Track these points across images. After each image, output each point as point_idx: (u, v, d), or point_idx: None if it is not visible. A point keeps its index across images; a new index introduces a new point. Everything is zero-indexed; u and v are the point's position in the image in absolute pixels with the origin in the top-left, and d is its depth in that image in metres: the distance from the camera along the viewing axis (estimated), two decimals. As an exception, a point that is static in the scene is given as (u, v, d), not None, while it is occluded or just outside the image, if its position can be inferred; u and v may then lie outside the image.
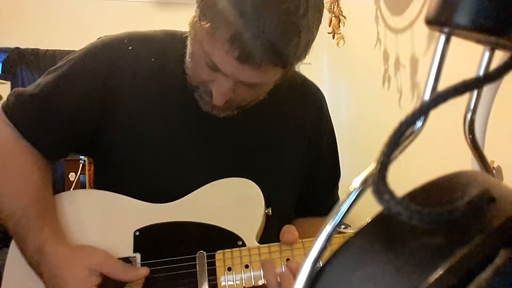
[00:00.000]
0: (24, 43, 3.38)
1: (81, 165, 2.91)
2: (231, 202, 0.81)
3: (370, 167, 0.22)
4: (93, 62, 0.81)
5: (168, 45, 0.85)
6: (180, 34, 0.86)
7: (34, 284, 0.75)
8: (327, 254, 0.23)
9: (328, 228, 0.23)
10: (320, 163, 0.94)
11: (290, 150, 0.89)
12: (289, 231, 0.77)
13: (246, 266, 0.75)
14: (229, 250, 0.77)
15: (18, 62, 3.38)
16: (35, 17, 3.40)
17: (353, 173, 0.26)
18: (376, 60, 2.58)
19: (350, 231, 1.05)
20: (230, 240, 0.78)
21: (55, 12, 3.43)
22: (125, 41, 0.83)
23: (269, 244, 0.77)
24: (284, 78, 0.78)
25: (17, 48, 3.37)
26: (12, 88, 3.37)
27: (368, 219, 0.23)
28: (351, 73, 3.09)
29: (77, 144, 0.85)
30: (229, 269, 0.76)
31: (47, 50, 3.39)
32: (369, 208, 0.28)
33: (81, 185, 2.94)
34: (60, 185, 2.97)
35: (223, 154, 0.85)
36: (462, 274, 0.19)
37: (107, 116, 0.81)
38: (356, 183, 0.24)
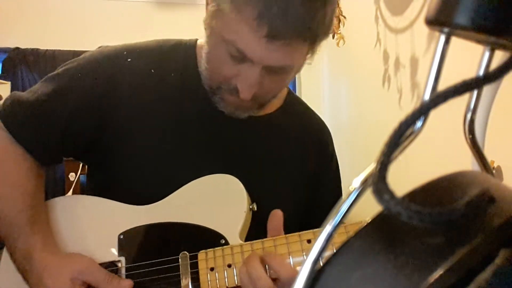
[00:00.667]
0: (24, 43, 3.37)
1: (81, 165, 2.91)
2: (212, 200, 0.80)
3: (370, 167, 0.22)
4: (92, 74, 0.82)
5: (168, 55, 0.85)
6: (183, 44, 0.86)
7: None
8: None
9: (328, 228, 0.23)
10: (322, 195, 0.93)
11: (287, 163, 0.89)
12: (275, 215, 0.75)
13: (229, 266, 0.73)
14: (212, 249, 0.75)
15: (18, 62, 3.38)
16: (35, 17, 3.40)
17: (353, 173, 0.26)
18: (376, 60, 2.58)
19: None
20: (213, 239, 0.76)
21: (55, 12, 3.43)
22: (124, 53, 0.83)
23: (251, 242, 0.75)
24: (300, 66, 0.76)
25: (17, 48, 3.36)
26: (12, 88, 3.37)
27: (368, 219, 0.23)
28: (351, 73, 3.09)
29: (71, 151, 0.85)
30: (212, 269, 0.74)
31: (47, 50, 3.39)
32: (369, 208, 0.28)
33: (81, 185, 2.93)
34: (60, 185, 2.97)
35: (216, 157, 0.84)
36: (462, 274, 0.19)
37: (103, 126, 0.81)
38: (356, 183, 0.24)
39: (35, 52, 3.38)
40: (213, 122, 0.83)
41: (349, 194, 0.24)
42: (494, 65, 0.23)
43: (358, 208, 0.25)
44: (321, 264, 0.23)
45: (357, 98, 3.01)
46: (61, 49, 3.35)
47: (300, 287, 0.22)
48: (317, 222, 0.87)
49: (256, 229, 0.79)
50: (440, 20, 0.22)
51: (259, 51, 0.67)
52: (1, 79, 3.29)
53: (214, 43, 0.73)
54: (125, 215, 0.80)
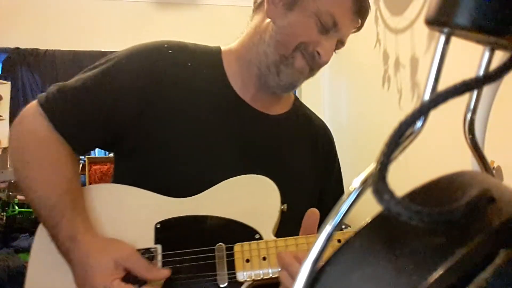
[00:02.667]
0: (24, 43, 3.38)
1: (81, 165, 2.91)
2: (249, 198, 0.85)
3: (370, 167, 0.22)
4: (136, 61, 0.87)
5: (201, 55, 0.93)
6: (209, 47, 0.95)
7: (58, 271, 0.78)
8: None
9: (328, 228, 0.23)
10: (327, 193, 1.01)
11: (304, 162, 0.97)
12: (312, 213, 0.80)
13: (264, 258, 0.78)
14: (247, 242, 0.80)
15: (18, 62, 3.38)
16: (35, 17, 3.40)
17: (353, 173, 0.26)
18: (376, 60, 2.58)
19: (350, 231, 1.06)
20: (248, 233, 0.82)
21: (55, 12, 3.43)
22: (165, 45, 0.90)
23: (285, 238, 0.80)
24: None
25: (17, 48, 3.37)
26: (12, 88, 3.37)
27: (368, 219, 0.23)
28: (351, 74, 3.09)
29: (107, 139, 0.88)
30: (247, 260, 0.79)
31: (47, 50, 3.39)
32: (369, 208, 0.28)
33: (81, 185, 2.93)
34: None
35: (254, 153, 0.91)
36: (462, 274, 0.19)
37: (143, 113, 0.85)
38: (356, 183, 0.24)
39: (35, 52, 3.38)
40: (241, 117, 0.91)
41: (349, 194, 0.24)
42: (494, 65, 0.23)
43: (358, 208, 0.25)
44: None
45: (357, 98, 3.01)
46: (61, 49, 3.35)
47: (300, 287, 0.22)
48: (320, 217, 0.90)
49: (281, 226, 0.84)
50: (440, 20, 0.22)
51: (347, 24, 0.84)
52: (1, 79, 3.29)
53: (300, 17, 0.84)
54: (162, 206, 0.83)
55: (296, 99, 1.04)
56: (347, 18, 0.83)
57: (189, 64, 0.89)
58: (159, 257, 0.80)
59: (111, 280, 0.73)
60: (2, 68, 3.38)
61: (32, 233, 2.31)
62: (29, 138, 0.83)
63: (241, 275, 0.78)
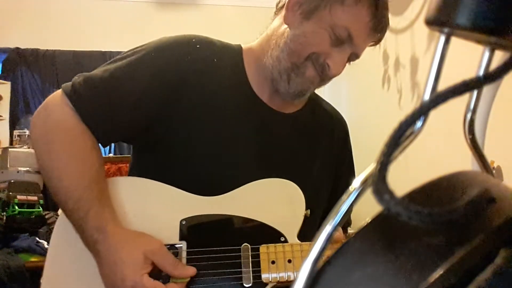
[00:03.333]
0: (24, 43, 3.37)
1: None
2: (275, 201, 0.86)
3: (370, 167, 0.22)
4: (164, 54, 0.86)
5: (225, 52, 0.93)
6: (232, 45, 0.96)
7: (77, 266, 0.79)
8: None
9: (328, 228, 0.23)
10: (341, 182, 1.02)
11: (321, 160, 0.98)
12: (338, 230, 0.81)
13: (289, 261, 0.79)
14: (273, 244, 0.81)
15: (18, 62, 3.38)
16: (35, 17, 3.40)
17: (353, 173, 0.26)
18: (376, 60, 2.58)
19: (350, 231, 1.07)
20: (273, 236, 0.82)
21: (55, 12, 3.42)
22: (193, 40, 0.90)
23: (310, 242, 0.80)
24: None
25: (17, 48, 3.37)
26: (12, 88, 3.37)
27: (368, 219, 0.23)
28: (351, 74, 3.08)
29: (131, 131, 0.88)
30: (273, 262, 0.79)
31: (47, 50, 3.39)
32: (369, 208, 0.28)
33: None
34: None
35: (274, 153, 0.91)
36: (462, 274, 0.19)
37: (169, 106, 0.85)
38: (356, 183, 0.24)
39: (35, 52, 3.38)
40: (262, 118, 0.92)
41: (349, 194, 0.24)
42: (494, 65, 0.23)
43: (358, 208, 0.25)
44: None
45: (357, 98, 3.01)
46: (61, 49, 3.35)
47: (300, 287, 0.22)
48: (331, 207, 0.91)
49: (302, 230, 0.85)
50: (440, 21, 0.22)
51: (362, 39, 0.83)
52: (1, 79, 3.29)
53: (314, 27, 0.83)
54: (187, 203, 0.83)
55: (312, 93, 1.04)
56: (364, 33, 0.82)
57: (215, 60, 0.90)
58: (184, 254, 0.80)
59: (141, 274, 0.73)
60: (2, 68, 3.38)
61: (32, 233, 2.32)
62: (56, 128, 0.81)
63: (267, 276, 0.78)
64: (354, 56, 0.86)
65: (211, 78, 0.88)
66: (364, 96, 2.86)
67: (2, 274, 2.01)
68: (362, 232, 0.23)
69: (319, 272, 0.23)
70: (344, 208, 0.24)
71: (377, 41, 0.88)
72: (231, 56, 0.93)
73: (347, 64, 0.87)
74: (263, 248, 0.80)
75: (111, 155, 3.16)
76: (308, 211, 0.86)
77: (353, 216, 0.85)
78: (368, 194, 0.22)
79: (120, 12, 3.52)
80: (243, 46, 0.97)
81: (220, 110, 0.88)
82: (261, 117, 0.92)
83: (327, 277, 0.22)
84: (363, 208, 0.37)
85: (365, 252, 0.22)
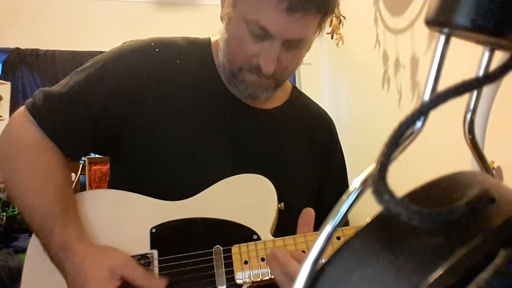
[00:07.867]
0: (24, 43, 3.37)
1: (81, 166, 2.91)
2: (245, 198, 0.83)
3: (370, 167, 0.22)
4: (123, 63, 0.85)
5: (189, 50, 0.90)
6: (199, 40, 0.92)
7: (53, 278, 0.76)
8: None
9: (328, 228, 0.23)
10: (328, 183, 0.98)
11: (300, 156, 0.94)
12: (307, 213, 0.79)
13: (262, 259, 0.77)
14: (245, 244, 0.79)
15: (18, 62, 3.37)
16: (35, 17, 3.40)
17: (353, 173, 0.26)
18: (375, 61, 2.58)
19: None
20: (245, 234, 0.80)
21: (55, 12, 3.42)
22: (152, 44, 0.88)
23: (283, 237, 0.78)
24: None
25: (17, 48, 3.36)
26: (12, 88, 3.36)
27: (368, 219, 0.23)
28: (350, 74, 3.09)
29: (98, 143, 0.87)
30: (246, 262, 0.77)
31: (47, 50, 3.38)
32: (369, 208, 0.28)
33: (81, 185, 2.93)
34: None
35: (245, 148, 0.88)
36: (462, 274, 0.19)
37: (132, 115, 0.83)
38: (356, 183, 0.24)
39: (35, 52, 3.38)
40: (232, 114, 0.88)
41: (349, 194, 0.24)
42: (494, 65, 0.23)
43: (358, 208, 0.25)
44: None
45: (357, 99, 3.01)
46: (61, 49, 3.35)
47: (300, 287, 0.22)
48: (322, 210, 0.89)
49: (279, 225, 0.83)
50: (440, 21, 0.22)
51: (280, 25, 0.74)
52: (1, 79, 3.29)
53: (235, 28, 0.79)
54: (157, 210, 0.82)
55: (294, 89, 1.01)
56: (277, 18, 0.74)
57: (178, 61, 0.87)
58: (156, 263, 0.79)
59: None
60: (2, 68, 3.38)
61: (32, 233, 2.32)
62: (19, 143, 0.80)
63: (240, 277, 0.77)
64: (288, 44, 0.78)
65: (175, 80, 0.86)
66: (364, 96, 2.86)
67: (2, 274, 2.01)
68: (362, 232, 0.23)
69: (319, 272, 0.23)
70: (344, 208, 0.24)
71: (324, 16, 0.79)
72: (198, 51, 0.90)
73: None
74: (235, 249, 0.78)
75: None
76: (282, 204, 0.83)
77: (353, 216, 0.84)
78: (368, 194, 0.22)
79: (120, 12, 3.52)
80: (212, 39, 0.93)
81: (187, 111, 0.85)
82: (234, 114, 0.88)
83: (327, 277, 0.22)
84: (363, 208, 0.37)
85: (365, 252, 0.22)
